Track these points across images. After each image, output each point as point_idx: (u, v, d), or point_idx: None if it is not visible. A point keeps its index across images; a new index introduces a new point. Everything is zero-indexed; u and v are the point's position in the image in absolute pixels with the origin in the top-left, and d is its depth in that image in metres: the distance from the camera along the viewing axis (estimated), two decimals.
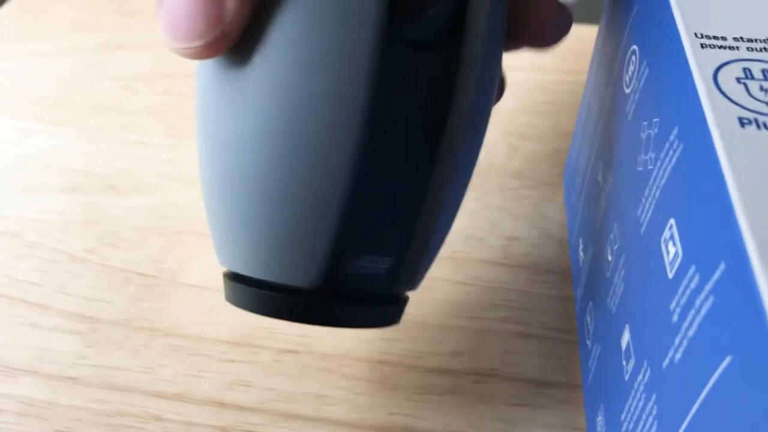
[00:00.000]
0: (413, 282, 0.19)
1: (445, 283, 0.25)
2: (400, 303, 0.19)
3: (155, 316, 0.25)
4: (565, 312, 0.24)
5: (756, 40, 0.16)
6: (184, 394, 0.22)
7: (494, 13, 0.17)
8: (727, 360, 0.12)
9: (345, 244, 0.17)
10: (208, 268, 0.26)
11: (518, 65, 0.35)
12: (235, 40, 0.15)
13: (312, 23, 0.15)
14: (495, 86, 0.18)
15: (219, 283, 0.26)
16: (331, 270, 0.17)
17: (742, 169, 0.13)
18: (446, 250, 0.26)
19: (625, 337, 0.17)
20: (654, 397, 0.15)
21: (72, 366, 0.23)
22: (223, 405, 0.22)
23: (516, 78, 0.34)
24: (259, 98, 0.16)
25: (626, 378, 0.17)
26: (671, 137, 0.15)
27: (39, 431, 0.21)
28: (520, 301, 0.25)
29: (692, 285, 0.14)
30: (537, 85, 0.34)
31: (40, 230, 0.27)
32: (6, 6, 0.40)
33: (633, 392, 0.17)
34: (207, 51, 0.14)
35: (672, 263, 0.15)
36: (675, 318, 0.14)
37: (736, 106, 0.14)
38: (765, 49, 0.15)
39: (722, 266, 0.13)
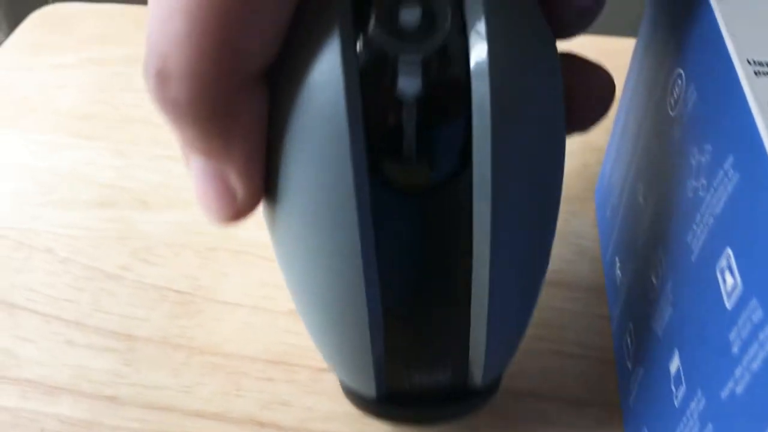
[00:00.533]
0: (483, 382, 0.19)
1: None
2: (478, 396, 0.19)
3: (192, 333, 0.25)
4: (601, 330, 0.24)
5: None
6: (223, 414, 0.22)
7: (516, 133, 0.15)
8: None
9: (394, 365, 0.18)
10: (242, 284, 0.26)
11: None
12: (252, 213, 0.17)
13: (303, 185, 0.16)
14: (545, 190, 0.17)
15: (253, 300, 0.26)
16: (389, 385, 0.19)
17: None
18: None
19: (675, 363, 0.17)
20: (711, 426, 0.15)
21: (111, 385, 0.23)
22: (262, 425, 0.22)
23: None
24: (282, 250, 0.17)
25: (676, 404, 0.17)
26: (725, 165, 0.15)
27: None
28: (555, 319, 0.25)
29: (755, 318, 0.14)
30: None
31: (73, 246, 0.27)
32: (29, 19, 0.40)
33: (684, 419, 0.17)
34: (227, 224, 0.17)
35: (730, 294, 0.15)
36: (735, 350, 0.14)
37: None
38: None
39: None
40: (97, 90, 0.35)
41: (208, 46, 0.14)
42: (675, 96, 0.19)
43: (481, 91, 0.15)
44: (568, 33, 0.17)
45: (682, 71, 0.18)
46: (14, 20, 0.41)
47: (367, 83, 0.15)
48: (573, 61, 0.18)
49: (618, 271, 0.24)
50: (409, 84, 0.15)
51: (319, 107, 0.15)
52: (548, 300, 0.25)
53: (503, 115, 0.15)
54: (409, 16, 0.15)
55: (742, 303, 0.14)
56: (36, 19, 0.40)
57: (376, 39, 0.15)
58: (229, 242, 0.28)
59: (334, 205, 0.15)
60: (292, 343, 0.24)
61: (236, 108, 0.15)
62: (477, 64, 0.15)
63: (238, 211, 0.16)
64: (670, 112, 0.19)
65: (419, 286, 0.17)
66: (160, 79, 0.14)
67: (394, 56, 0.15)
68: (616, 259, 0.24)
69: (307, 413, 0.22)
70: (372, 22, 0.15)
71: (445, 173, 0.16)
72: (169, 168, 0.31)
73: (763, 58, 0.16)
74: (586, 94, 0.17)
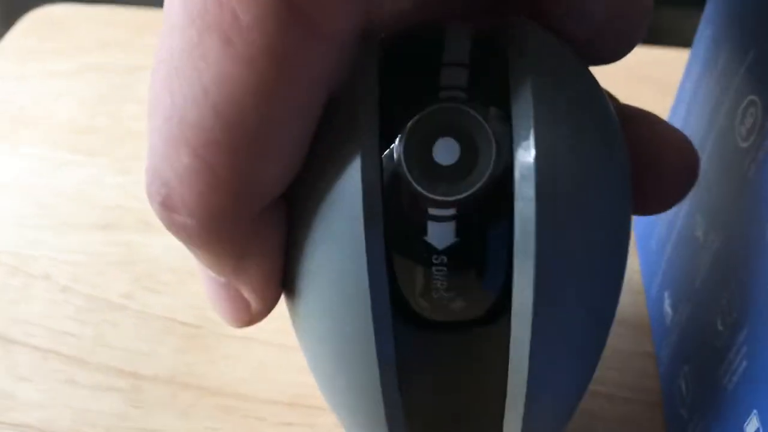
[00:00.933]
0: None
1: None
2: None
3: (202, 371, 0.23)
4: (645, 371, 0.23)
5: None
6: None
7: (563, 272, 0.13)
8: None
9: None
10: None
11: None
12: (264, 317, 0.15)
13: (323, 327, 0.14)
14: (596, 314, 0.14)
15: (268, 335, 0.24)
16: None
17: None
18: None
19: (753, 424, 0.16)
20: None
21: (115, 429, 0.21)
22: None
23: None
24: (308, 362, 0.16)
25: None
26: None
27: None
28: None
29: None
30: None
31: (73, 273, 0.25)
32: (20, 22, 0.38)
33: None
34: (241, 327, 0.16)
35: None
36: None
37: None
38: None
39: None
40: (97, 101, 0.33)
41: (217, 182, 0.12)
42: (747, 126, 0.17)
43: (525, 234, 0.12)
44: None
45: (757, 99, 0.17)
46: (7, 22, 0.39)
47: (393, 220, 0.13)
48: (648, 126, 0.15)
49: (668, 308, 0.22)
50: (438, 234, 0.13)
51: (338, 247, 0.13)
52: None
53: (549, 257, 0.13)
54: (445, 152, 0.13)
55: None
56: (28, 22, 0.38)
57: (403, 178, 0.13)
58: None
59: (353, 345, 0.14)
60: (311, 384, 0.22)
61: (252, 232, 0.13)
62: (522, 201, 0.12)
63: (251, 320, 0.15)
64: (741, 143, 0.17)
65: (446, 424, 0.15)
66: (165, 208, 0.13)
67: (424, 200, 0.13)
68: (665, 294, 0.22)
69: None
70: (400, 155, 0.13)
71: (480, 312, 0.14)
72: None
73: None
74: (665, 170, 0.15)
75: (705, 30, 0.21)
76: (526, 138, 0.12)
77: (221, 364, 0.23)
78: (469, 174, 0.12)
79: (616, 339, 0.23)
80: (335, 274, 0.13)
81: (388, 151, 0.13)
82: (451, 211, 0.13)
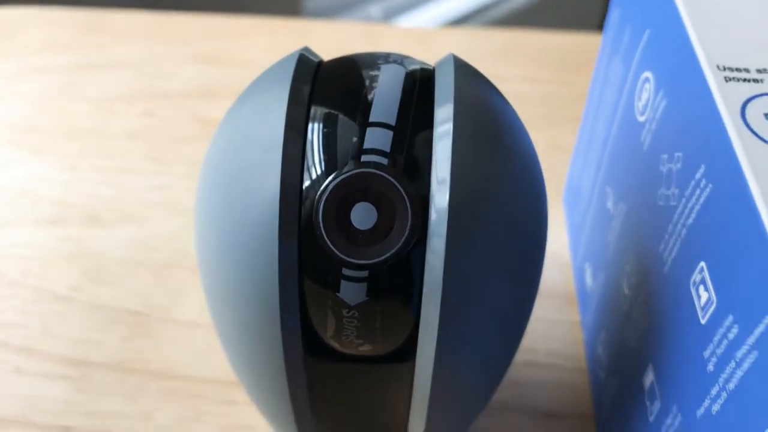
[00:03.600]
0: None
1: None
2: None
3: (148, 357, 0.23)
4: (572, 339, 0.24)
5: None
6: None
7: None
8: None
9: None
10: (200, 303, 0.25)
11: (509, 76, 0.35)
12: None
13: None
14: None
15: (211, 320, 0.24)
16: None
17: None
18: None
19: (649, 377, 0.17)
20: None
21: (64, 414, 0.22)
22: None
23: (507, 89, 0.34)
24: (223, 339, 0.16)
25: (651, 419, 0.17)
26: (697, 175, 0.15)
27: None
28: (528, 328, 0.24)
29: (730, 336, 0.13)
30: (529, 97, 0.33)
31: (21, 267, 0.26)
32: None
33: None
34: None
35: (705, 309, 0.14)
36: (711, 367, 0.14)
37: (767, 145, 0.13)
38: None
39: (766, 320, 0.12)
40: (44, 100, 0.33)
41: None
42: (643, 101, 0.18)
43: (433, 293, 0.13)
44: None
45: (650, 75, 0.18)
46: None
47: (309, 274, 0.14)
48: None
49: (589, 278, 0.23)
50: (350, 292, 0.13)
51: (256, 294, 0.14)
52: None
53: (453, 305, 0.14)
54: (362, 217, 0.13)
55: (717, 319, 0.13)
56: None
57: (321, 238, 0.13)
58: (186, 259, 0.26)
59: (268, 379, 0.15)
60: None
61: None
62: (433, 265, 0.13)
63: None
64: (638, 117, 0.18)
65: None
66: None
67: (338, 261, 0.13)
68: (586, 265, 0.23)
69: None
70: (319, 216, 0.13)
71: (388, 353, 0.15)
72: (121, 181, 0.29)
73: (734, 64, 0.15)
74: None
75: (613, 12, 0.22)
76: (442, 202, 0.13)
77: (167, 349, 0.24)
78: (383, 239, 0.13)
79: (545, 310, 0.25)
80: (252, 319, 0.14)
81: (308, 209, 0.13)
82: (364, 273, 0.13)
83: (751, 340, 0.12)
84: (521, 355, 0.23)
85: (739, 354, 0.13)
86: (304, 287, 0.14)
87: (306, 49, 0.16)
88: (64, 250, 0.27)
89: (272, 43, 0.37)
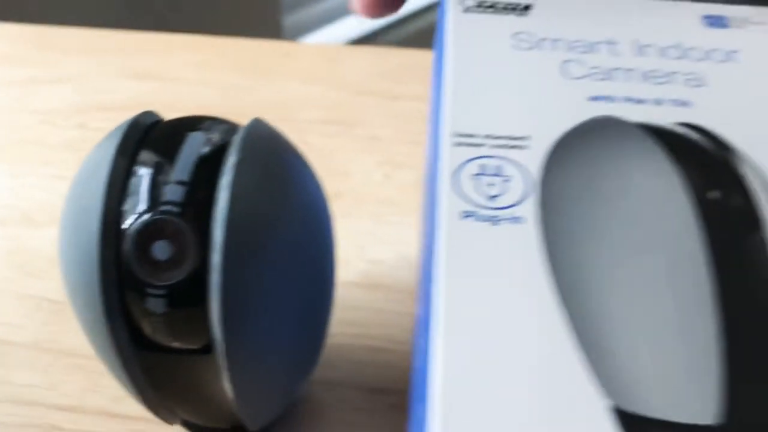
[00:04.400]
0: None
1: None
2: None
3: (62, 339, 0.29)
4: (409, 328, 0.29)
5: (501, 137, 0.19)
6: (80, 407, 0.27)
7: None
8: None
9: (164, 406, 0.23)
10: None
11: (400, 94, 0.39)
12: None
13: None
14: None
15: None
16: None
17: (455, 257, 0.16)
18: None
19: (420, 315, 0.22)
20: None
21: None
22: (114, 416, 0.26)
23: (396, 108, 0.38)
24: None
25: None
26: (427, 228, 0.19)
27: None
28: (374, 318, 0.29)
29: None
30: (416, 115, 0.38)
31: None
32: None
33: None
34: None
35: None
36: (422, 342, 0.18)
37: (462, 201, 0.18)
38: (505, 146, 0.19)
39: None
40: None
41: None
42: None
43: (216, 301, 0.19)
44: None
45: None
46: None
47: (127, 290, 0.19)
48: None
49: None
50: (155, 305, 0.19)
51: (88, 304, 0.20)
52: (370, 302, 0.29)
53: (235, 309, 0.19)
54: (160, 251, 0.19)
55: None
56: None
57: (134, 266, 0.19)
58: None
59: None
60: None
61: None
62: (215, 282, 0.19)
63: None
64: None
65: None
66: None
67: (144, 283, 0.19)
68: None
69: None
70: (130, 249, 0.19)
71: (199, 350, 0.20)
72: (56, 187, 0.34)
73: (467, 130, 0.19)
74: None
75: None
76: (218, 237, 0.19)
77: (79, 333, 0.29)
78: (178, 266, 0.19)
79: (389, 303, 0.29)
80: (92, 321, 0.20)
81: (123, 245, 0.19)
82: (164, 291, 0.19)
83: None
84: (366, 341, 0.28)
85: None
86: (126, 300, 0.19)
87: (149, 112, 0.21)
88: (4, 248, 0.32)
89: (203, 60, 0.42)
